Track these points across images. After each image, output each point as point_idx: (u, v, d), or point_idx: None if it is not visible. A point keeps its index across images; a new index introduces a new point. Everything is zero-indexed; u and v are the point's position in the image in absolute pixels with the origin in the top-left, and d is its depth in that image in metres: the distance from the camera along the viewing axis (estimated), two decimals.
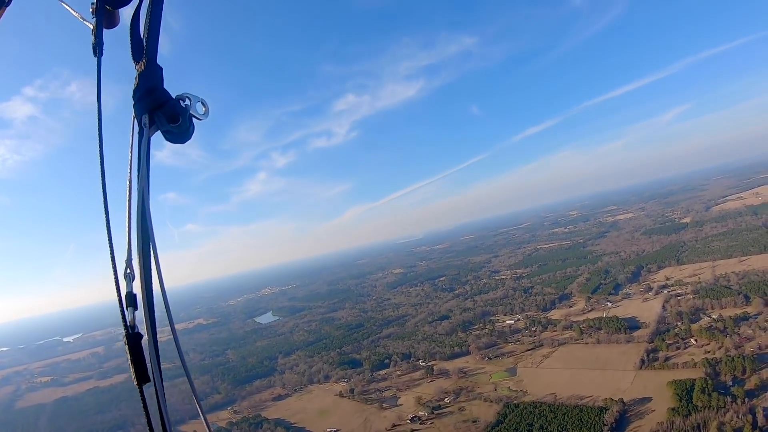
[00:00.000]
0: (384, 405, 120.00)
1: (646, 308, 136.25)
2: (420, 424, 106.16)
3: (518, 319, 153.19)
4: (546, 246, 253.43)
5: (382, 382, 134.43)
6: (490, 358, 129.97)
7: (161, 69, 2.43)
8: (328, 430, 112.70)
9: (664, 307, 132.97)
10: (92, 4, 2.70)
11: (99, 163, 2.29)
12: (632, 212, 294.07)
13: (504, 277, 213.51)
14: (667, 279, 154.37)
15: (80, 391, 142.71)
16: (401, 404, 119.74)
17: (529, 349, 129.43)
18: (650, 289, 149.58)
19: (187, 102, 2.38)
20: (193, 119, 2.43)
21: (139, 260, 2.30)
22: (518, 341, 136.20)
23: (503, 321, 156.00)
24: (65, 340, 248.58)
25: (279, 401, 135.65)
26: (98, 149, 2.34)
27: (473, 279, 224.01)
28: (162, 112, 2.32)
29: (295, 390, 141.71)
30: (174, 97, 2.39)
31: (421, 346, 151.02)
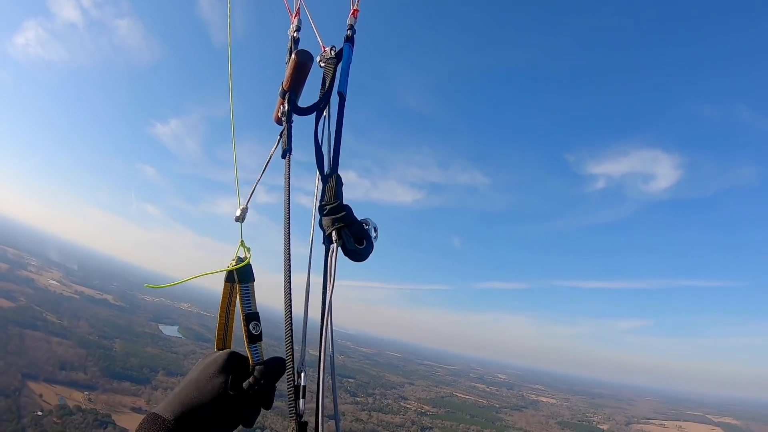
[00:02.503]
0: None
1: None
2: None
3: None
4: (462, 395, 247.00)
5: None
6: None
7: (343, 183, 2.58)
8: None
9: None
10: (281, 107, 2.83)
11: (285, 270, 2.39)
12: (556, 399, 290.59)
13: (409, 406, 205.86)
14: None
15: None
16: None
17: None
18: None
19: (368, 226, 2.41)
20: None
21: (322, 361, 2.30)
22: None
23: None
24: None
25: (136, 413, 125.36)
26: (285, 257, 2.41)
27: (380, 394, 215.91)
28: (351, 233, 2.39)
29: None
30: (360, 220, 2.46)
31: None
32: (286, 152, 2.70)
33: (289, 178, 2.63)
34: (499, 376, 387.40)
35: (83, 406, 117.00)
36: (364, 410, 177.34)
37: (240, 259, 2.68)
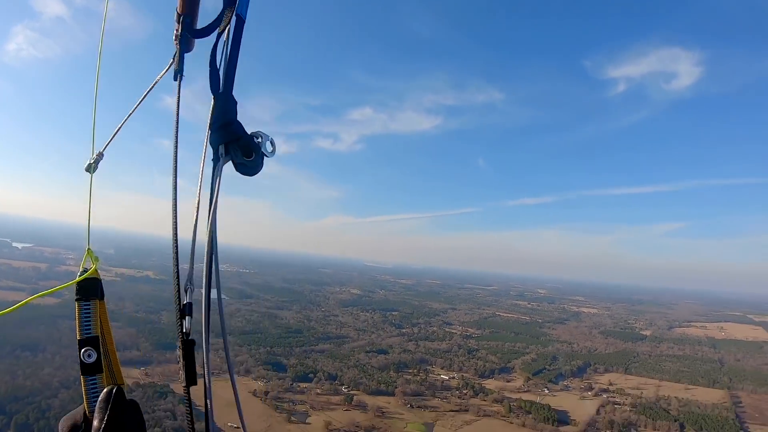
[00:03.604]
0: (293, 418, 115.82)
1: (580, 406, 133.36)
2: None
3: (453, 377, 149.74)
4: (505, 314, 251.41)
5: (299, 395, 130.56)
6: (413, 407, 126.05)
7: (236, 102, 2.53)
8: (228, 423, 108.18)
9: (598, 410, 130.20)
10: (175, 31, 2.80)
11: (173, 186, 2.40)
12: (597, 309, 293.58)
13: (454, 331, 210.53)
14: (610, 384, 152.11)
15: (7, 298, 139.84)
16: (309, 423, 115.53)
17: (453, 410, 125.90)
18: (591, 388, 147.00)
19: (260, 139, 2.38)
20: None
21: (206, 276, 2.50)
22: (446, 399, 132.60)
23: (438, 374, 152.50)
24: (14, 244, 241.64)
25: None
26: (173, 173, 2.43)
27: (424, 323, 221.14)
28: (238, 146, 2.40)
29: (213, 373, 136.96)
30: (249, 133, 2.44)
31: (350, 372, 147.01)
32: (177, 74, 2.75)
33: (179, 100, 2.60)
34: (539, 291, 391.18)
35: (141, 382, 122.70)
36: (410, 341, 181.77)
37: (84, 270, 2.51)
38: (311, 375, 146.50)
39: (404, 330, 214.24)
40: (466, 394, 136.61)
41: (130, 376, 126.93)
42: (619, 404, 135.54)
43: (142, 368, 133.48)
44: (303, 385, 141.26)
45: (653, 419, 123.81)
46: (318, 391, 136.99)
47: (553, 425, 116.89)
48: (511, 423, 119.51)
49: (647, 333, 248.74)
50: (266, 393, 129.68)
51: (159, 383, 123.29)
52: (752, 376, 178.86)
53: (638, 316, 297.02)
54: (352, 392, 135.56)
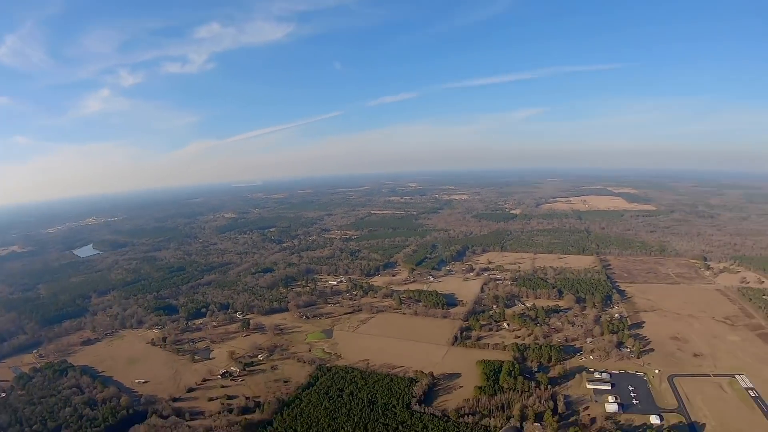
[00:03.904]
0: (196, 357, 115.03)
1: (465, 287, 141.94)
2: (231, 380, 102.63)
3: (341, 281, 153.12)
4: (380, 212, 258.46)
5: (196, 332, 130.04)
6: (308, 318, 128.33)
7: None
8: (136, 381, 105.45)
9: (482, 288, 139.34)
10: None
11: None
12: (468, 195, 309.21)
13: (334, 236, 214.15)
14: (490, 263, 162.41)
15: None
16: (214, 357, 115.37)
17: (347, 313, 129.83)
18: (472, 269, 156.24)
19: None
20: None
21: None
22: (338, 303, 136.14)
23: (326, 281, 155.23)
24: None
25: (88, 345, 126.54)
26: None
27: (303, 234, 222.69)
28: None
29: (106, 334, 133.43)
30: None
31: (241, 297, 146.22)
32: None
33: None
34: (410, 185, 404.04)
35: (38, 366, 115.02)
36: (293, 254, 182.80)
37: None
38: (204, 309, 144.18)
39: (285, 244, 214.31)
40: (356, 295, 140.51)
41: (24, 362, 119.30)
42: (501, 280, 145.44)
43: (34, 351, 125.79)
44: (198, 321, 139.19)
45: (533, 289, 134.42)
46: (214, 323, 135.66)
47: (443, 309, 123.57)
48: (404, 314, 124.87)
49: (517, 212, 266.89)
50: (164, 339, 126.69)
51: (56, 361, 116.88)
52: (617, 241, 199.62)
53: (507, 197, 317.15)
54: (247, 317, 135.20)
